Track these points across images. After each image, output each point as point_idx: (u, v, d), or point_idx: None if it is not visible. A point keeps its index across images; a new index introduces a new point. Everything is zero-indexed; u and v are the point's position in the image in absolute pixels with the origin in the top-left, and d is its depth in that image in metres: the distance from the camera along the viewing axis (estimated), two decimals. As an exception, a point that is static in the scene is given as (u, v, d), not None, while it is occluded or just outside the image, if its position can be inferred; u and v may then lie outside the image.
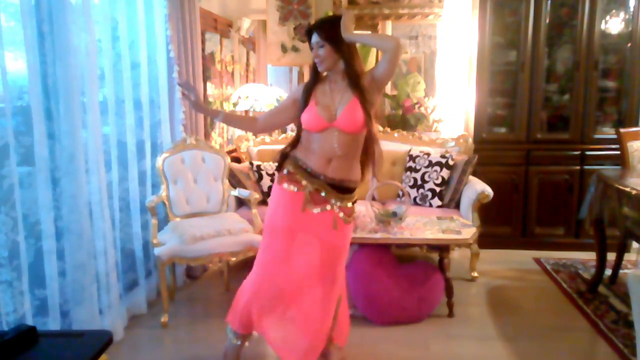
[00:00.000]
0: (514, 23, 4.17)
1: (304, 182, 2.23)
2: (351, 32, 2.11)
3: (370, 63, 4.64)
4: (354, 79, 2.14)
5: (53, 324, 2.37)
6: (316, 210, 2.22)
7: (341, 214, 2.24)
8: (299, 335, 2.25)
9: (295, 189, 2.23)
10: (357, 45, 2.21)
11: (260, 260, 2.33)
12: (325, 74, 2.24)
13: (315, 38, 2.15)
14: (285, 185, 2.26)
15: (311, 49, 2.19)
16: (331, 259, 2.25)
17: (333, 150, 2.19)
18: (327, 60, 2.16)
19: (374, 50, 4.64)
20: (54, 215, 2.38)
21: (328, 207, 2.23)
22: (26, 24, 2.16)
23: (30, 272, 2.32)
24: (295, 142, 2.29)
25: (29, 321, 2.16)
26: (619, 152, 3.57)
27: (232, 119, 2.63)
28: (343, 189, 2.24)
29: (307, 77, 3.95)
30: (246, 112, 4.92)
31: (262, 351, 2.69)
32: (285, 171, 2.27)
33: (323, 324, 2.25)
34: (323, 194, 2.22)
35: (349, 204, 2.28)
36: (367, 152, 2.29)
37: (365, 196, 3.24)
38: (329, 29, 2.14)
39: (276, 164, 2.33)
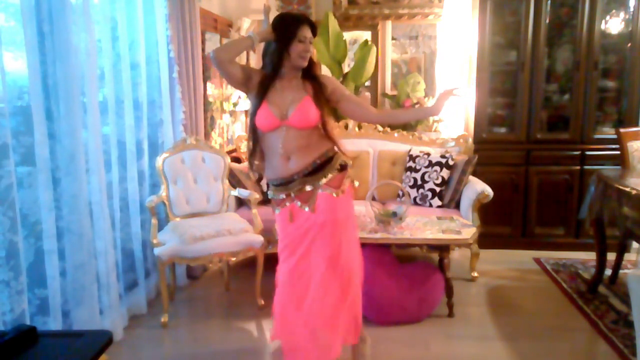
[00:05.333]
0: (514, 23, 4.17)
1: (283, 196, 2.25)
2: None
3: (370, 63, 4.64)
4: (316, 77, 2.23)
5: (54, 324, 2.37)
6: (306, 208, 2.22)
7: (329, 190, 2.20)
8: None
9: (287, 204, 2.27)
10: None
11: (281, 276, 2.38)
12: (283, 71, 2.20)
13: (309, 33, 2.15)
14: (276, 210, 2.31)
15: (293, 40, 2.12)
16: (333, 235, 2.19)
17: (288, 147, 2.18)
18: (309, 58, 2.19)
19: (373, 50, 4.64)
20: (55, 215, 2.38)
21: (314, 195, 2.21)
22: (26, 24, 2.16)
23: (31, 272, 2.31)
24: (253, 153, 2.26)
25: (28, 321, 2.15)
26: (619, 152, 3.57)
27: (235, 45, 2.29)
28: (319, 167, 2.21)
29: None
30: (246, 112, 4.93)
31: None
32: (270, 200, 2.35)
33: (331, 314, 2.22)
34: (307, 189, 2.21)
35: (331, 175, 2.22)
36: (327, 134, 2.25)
37: (365, 196, 3.24)
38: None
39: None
